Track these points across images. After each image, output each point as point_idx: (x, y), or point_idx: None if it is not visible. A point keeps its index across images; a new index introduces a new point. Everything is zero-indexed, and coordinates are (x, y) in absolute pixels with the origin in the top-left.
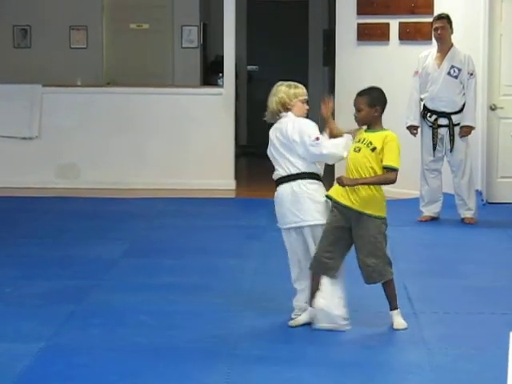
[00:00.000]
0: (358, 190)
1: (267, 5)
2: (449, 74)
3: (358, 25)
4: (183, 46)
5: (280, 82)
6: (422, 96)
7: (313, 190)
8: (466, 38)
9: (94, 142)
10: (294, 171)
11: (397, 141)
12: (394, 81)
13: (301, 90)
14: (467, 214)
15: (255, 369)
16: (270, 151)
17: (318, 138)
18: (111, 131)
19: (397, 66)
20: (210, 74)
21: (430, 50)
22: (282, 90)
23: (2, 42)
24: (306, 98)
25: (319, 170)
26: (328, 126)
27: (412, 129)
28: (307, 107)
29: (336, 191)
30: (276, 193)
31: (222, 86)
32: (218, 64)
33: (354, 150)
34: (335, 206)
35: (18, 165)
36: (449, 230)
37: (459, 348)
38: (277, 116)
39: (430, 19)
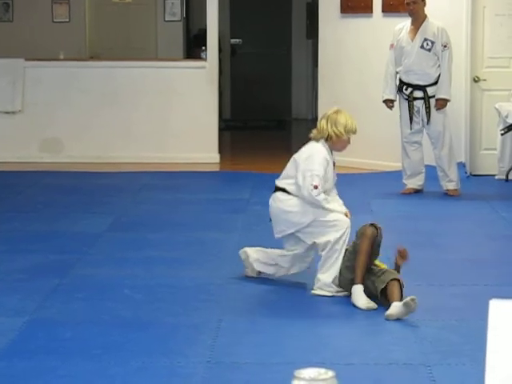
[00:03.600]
0: None
1: None
2: (422, 47)
3: None
4: (166, 19)
5: (337, 109)
6: (398, 69)
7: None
8: (450, 9)
9: (77, 115)
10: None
11: None
12: (378, 53)
13: (355, 126)
14: (449, 186)
15: (239, 342)
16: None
17: (316, 187)
18: (95, 105)
19: (380, 39)
20: (193, 47)
21: (405, 23)
22: (344, 124)
23: None
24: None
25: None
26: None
27: (388, 102)
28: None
29: None
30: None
31: (205, 60)
32: (201, 37)
33: None
34: None
35: (1, 139)
36: (432, 203)
37: (443, 319)
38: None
39: None
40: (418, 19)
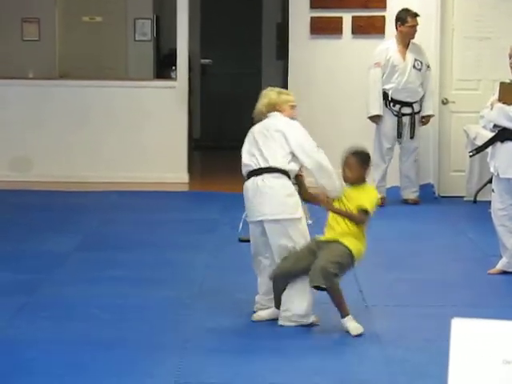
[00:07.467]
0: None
1: None
2: (414, 66)
3: (311, 18)
4: (136, 39)
5: (269, 88)
6: (387, 87)
7: (277, 184)
8: (420, 32)
9: (47, 134)
10: (263, 165)
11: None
12: (347, 74)
13: (290, 96)
14: (412, 196)
15: (206, 361)
16: (246, 146)
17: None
18: (64, 124)
19: (349, 60)
20: (164, 67)
21: (388, 43)
22: (271, 95)
23: None
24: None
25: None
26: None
27: (376, 118)
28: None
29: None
30: (244, 186)
31: (175, 79)
32: (171, 57)
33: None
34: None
35: None
36: (398, 223)
37: (409, 340)
38: (263, 116)
39: (383, 13)
40: (406, 40)
